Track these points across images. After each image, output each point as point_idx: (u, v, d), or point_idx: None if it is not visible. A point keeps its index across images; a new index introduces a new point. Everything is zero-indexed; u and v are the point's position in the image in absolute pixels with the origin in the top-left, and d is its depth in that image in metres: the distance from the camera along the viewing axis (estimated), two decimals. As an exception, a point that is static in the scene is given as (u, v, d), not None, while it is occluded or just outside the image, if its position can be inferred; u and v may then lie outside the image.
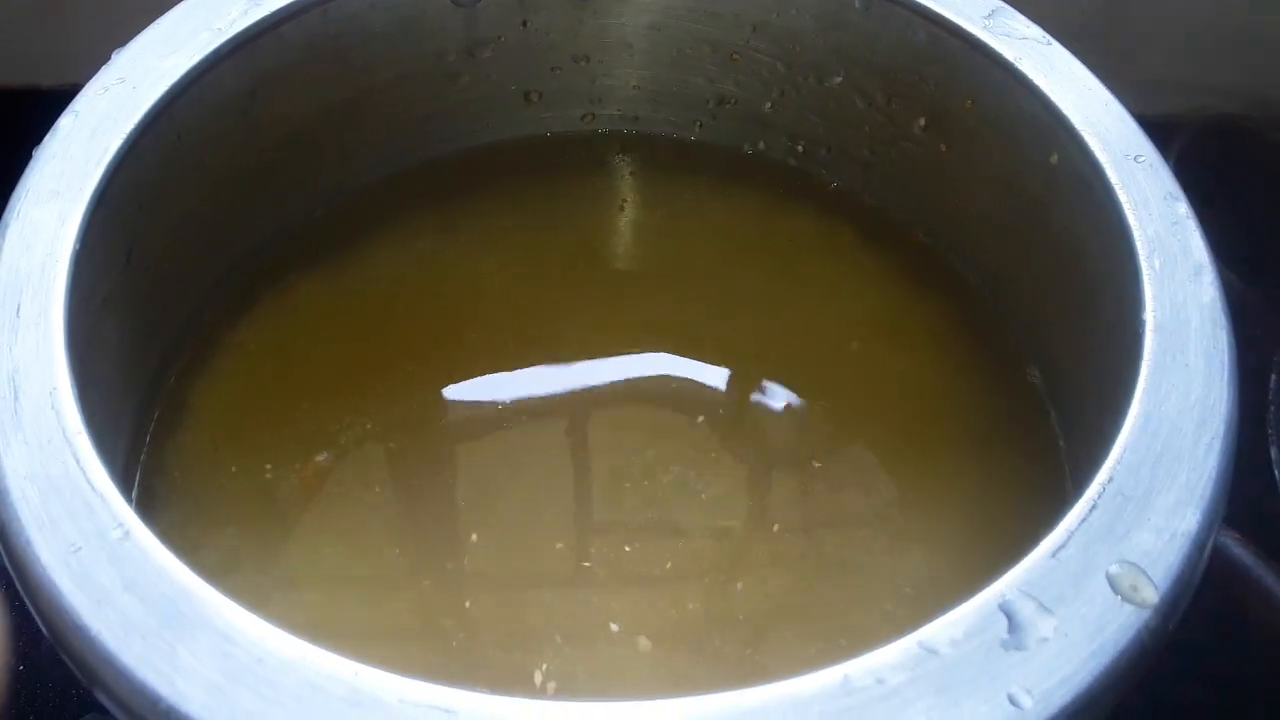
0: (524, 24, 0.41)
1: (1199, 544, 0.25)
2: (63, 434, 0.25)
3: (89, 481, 0.25)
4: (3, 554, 0.25)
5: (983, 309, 0.40)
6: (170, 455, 0.35)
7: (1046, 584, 0.24)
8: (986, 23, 0.35)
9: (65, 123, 0.31)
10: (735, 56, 0.42)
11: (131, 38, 0.34)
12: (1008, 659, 0.22)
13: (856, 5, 0.38)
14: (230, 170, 0.37)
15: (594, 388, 0.38)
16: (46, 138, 0.31)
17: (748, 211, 0.43)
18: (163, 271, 0.35)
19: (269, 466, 0.35)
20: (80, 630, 0.23)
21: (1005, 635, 0.23)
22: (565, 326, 0.39)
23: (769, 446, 0.37)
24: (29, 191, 0.30)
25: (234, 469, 0.35)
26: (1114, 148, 0.32)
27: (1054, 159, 0.34)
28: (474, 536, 0.34)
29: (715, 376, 0.38)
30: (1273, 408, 0.43)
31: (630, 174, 0.44)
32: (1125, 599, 0.24)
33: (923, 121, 0.39)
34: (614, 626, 0.32)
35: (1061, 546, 0.24)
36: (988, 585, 0.24)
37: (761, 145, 0.44)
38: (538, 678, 0.31)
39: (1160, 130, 0.34)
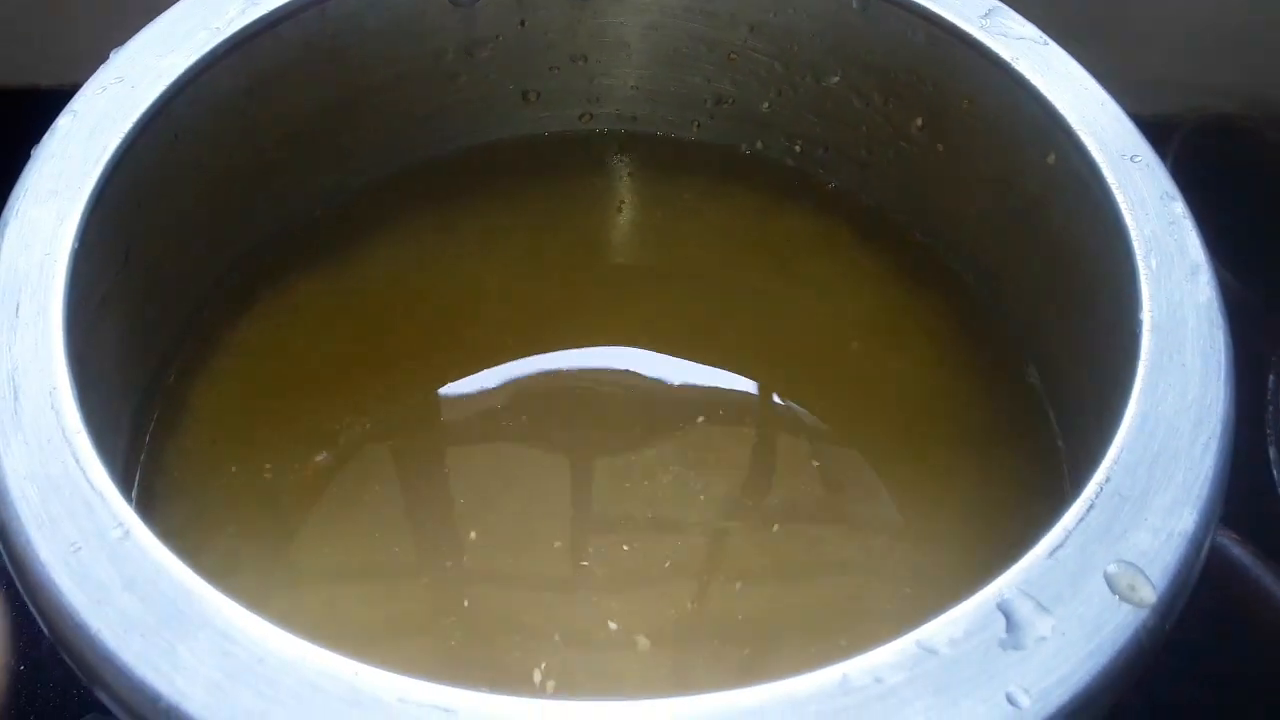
0: (522, 23, 0.41)
1: (1196, 544, 0.25)
2: (62, 433, 0.25)
3: (89, 481, 0.25)
4: (3, 553, 0.25)
5: (980, 308, 0.40)
6: (170, 455, 0.35)
7: (1044, 583, 0.24)
8: (984, 22, 0.35)
9: (64, 122, 0.31)
10: (733, 56, 0.42)
11: (130, 37, 0.34)
12: (1006, 658, 0.23)
13: (854, 5, 0.38)
14: (228, 170, 0.37)
15: (593, 387, 0.38)
16: (45, 137, 0.31)
17: (745, 211, 0.43)
18: (162, 271, 0.35)
19: (269, 466, 0.35)
20: (80, 629, 0.23)
21: (1003, 635, 0.23)
22: (564, 325, 0.39)
23: (767, 446, 0.37)
24: (27, 191, 0.30)
25: (234, 468, 0.35)
26: (1111, 148, 0.32)
27: (1051, 159, 0.34)
28: (473, 535, 0.34)
29: (714, 376, 0.38)
30: (1270, 407, 0.43)
31: (628, 174, 0.44)
32: (1123, 598, 0.24)
33: (920, 121, 0.39)
34: (613, 625, 0.32)
35: (1059, 546, 0.24)
36: (986, 585, 0.24)
37: (759, 145, 0.44)
38: (536, 676, 0.31)
39: (1158, 130, 0.34)
